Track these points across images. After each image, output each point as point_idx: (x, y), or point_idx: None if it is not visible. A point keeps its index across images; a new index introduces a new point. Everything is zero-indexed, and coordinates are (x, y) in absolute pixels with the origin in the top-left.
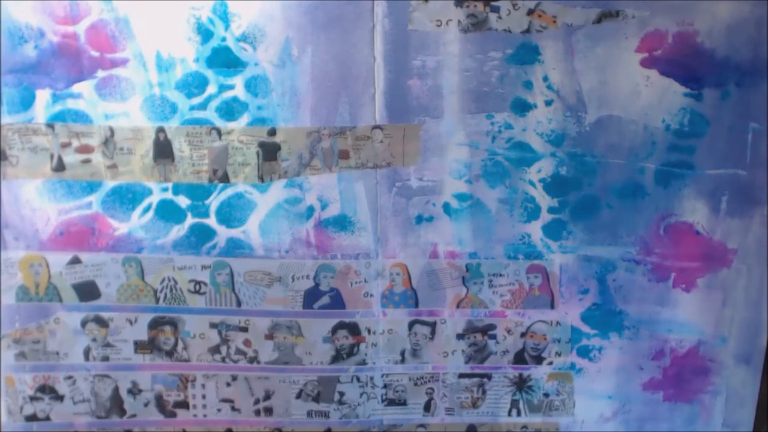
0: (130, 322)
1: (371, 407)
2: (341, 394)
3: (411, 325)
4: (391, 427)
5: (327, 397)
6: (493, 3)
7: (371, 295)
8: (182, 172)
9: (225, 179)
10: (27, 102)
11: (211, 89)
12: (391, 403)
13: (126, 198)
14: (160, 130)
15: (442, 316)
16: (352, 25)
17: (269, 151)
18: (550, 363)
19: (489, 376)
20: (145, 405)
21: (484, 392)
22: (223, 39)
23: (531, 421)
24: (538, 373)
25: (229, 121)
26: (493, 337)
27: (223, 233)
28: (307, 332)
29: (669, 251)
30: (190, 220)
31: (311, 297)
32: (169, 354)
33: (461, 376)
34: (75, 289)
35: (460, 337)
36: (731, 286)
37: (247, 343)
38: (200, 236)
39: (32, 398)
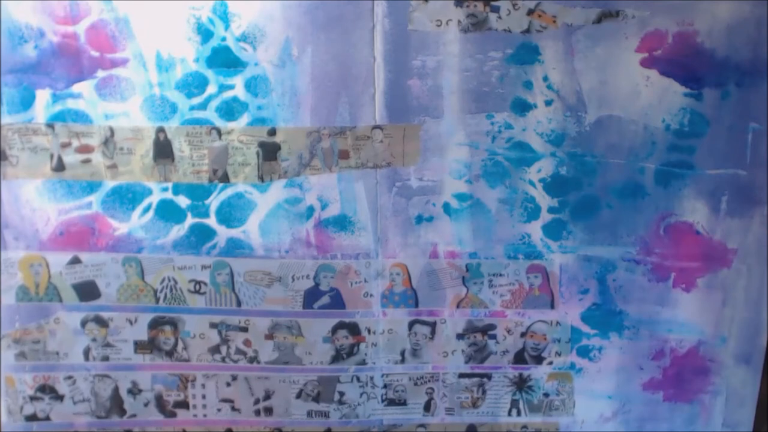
0: (130, 322)
1: (371, 407)
2: (341, 394)
3: (411, 325)
4: (391, 427)
5: (327, 397)
6: (493, 3)
7: (371, 295)
8: (182, 172)
9: (225, 179)
10: (27, 102)
11: (211, 89)
12: (391, 403)
13: (126, 198)
14: (160, 130)
15: (442, 316)
16: (352, 25)
17: (269, 151)
18: (550, 363)
19: (489, 376)
20: (145, 405)
21: (484, 392)
22: (223, 39)
23: (531, 421)
24: (538, 373)
25: (229, 121)
26: (493, 337)
27: (223, 233)
28: (307, 332)
29: (669, 251)
30: (190, 220)
31: (311, 297)
32: (169, 354)
33: (461, 376)
34: (75, 289)
35: (460, 337)
36: (731, 286)
37: (247, 343)
38: (200, 236)
39: (32, 398)
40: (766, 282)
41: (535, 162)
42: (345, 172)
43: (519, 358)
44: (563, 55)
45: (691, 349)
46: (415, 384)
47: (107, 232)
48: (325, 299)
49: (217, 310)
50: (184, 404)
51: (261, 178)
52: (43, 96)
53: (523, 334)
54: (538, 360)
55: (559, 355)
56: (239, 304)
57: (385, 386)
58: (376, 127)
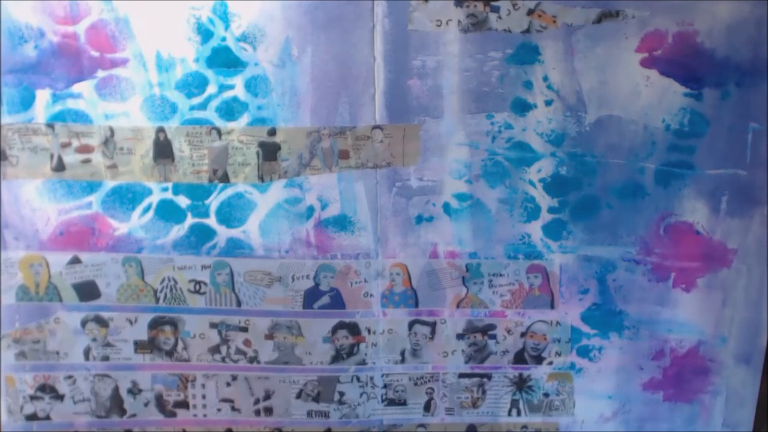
0: (130, 322)
1: (371, 407)
2: (341, 394)
3: (411, 325)
4: (391, 427)
5: (327, 397)
6: (493, 3)
7: (371, 295)
8: (182, 172)
9: (225, 179)
10: (27, 102)
11: (211, 89)
12: (391, 403)
13: (126, 198)
14: (160, 130)
15: (442, 316)
16: (352, 25)
17: (269, 151)
18: (550, 363)
19: (489, 376)
20: (145, 405)
21: (484, 392)
22: (223, 39)
23: (531, 421)
24: (538, 373)
25: (229, 121)
26: (493, 337)
27: (223, 233)
28: (307, 332)
29: (669, 251)
30: (190, 220)
31: (311, 297)
32: (169, 354)
33: (461, 376)
34: (75, 289)
35: (460, 337)
36: (731, 286)
37: (247, 343)
38: (200, 236)
39: (32, 398)
40: (766, 282)
41: (535, 162)
42: (345, 172)
43: (519, 358)
44: (563, 55)
45: (691, 349)
46: (415, 384)
47: (107, 232)
48: (325, 299)
49: (217, 310)
50: (184, 404)
51: (261, 178)
52: (43, 96)
53: (523, 334)
54: (538, 360)
55: (559, 355)
56: (239, 304)
57: (385, 386)
58: (376, 127)
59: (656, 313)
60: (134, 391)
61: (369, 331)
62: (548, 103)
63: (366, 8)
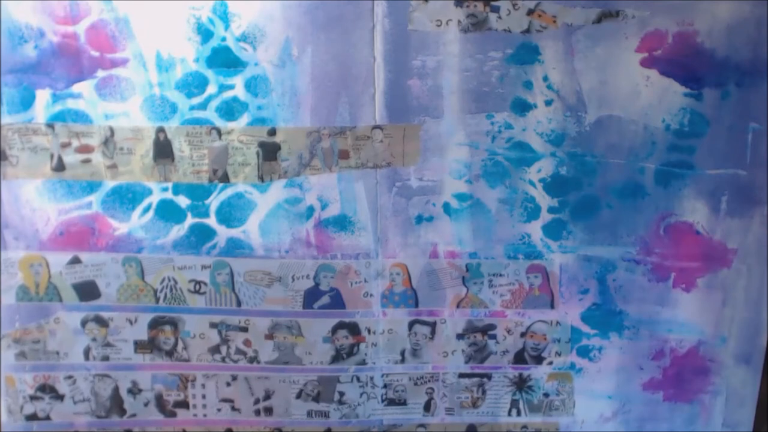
0: (130, 322)
1: (371, 407)
2: (341, 394)
3: (411, 325)
4: (391, 427)
5: (327, 397)
6: (493, 3)
7: (371, 295)
8: (182, 172)
9: (225, 179)
10: (27, 102)
11: (211, 89)
12: (391, 403)
13: (126, 198)
14: (160, 130)
15: (442, 316)
16: (352, 25)
17: (269, 151)
18: (550, 363)
19: (489, 376)
20: (145, 405)
21: (484, 392)
22: (223, 39)
23: (531, 421)
24: (538, 373)
25: (229, 121)
26: (493, 337)
27: (223, 233)
28: (307, 332)
29: (669, 251)
30: (190, 220)
31: (311, 297)
32: (169, 354)
33: (461, 376)
34: (75, 289)
35: (460, 337)
36: (731, 286)
37: (247, 343)
38: (200, 236)
39: (32, 398)
40: (766, 282)
41: (535, 162)
42: (345, 172)
43: (519, 358)
44: (563, 55)
45: (691, 349)
46: (415, 384)
47: (107, 232)
48: (325, 299)
49: (217, 310)
50: (184, 404)
51: (261, 178)
52: (43, 96)
53: (523, 334)
54: (538, 360)
55: (559, 355)
56: (239, 304)
57: (385, 386)
58: (376, 127)
59: (656, 313)
60: (134, 391)
61: (369, 331)
62: (548, 103)
63: (366, 8)
